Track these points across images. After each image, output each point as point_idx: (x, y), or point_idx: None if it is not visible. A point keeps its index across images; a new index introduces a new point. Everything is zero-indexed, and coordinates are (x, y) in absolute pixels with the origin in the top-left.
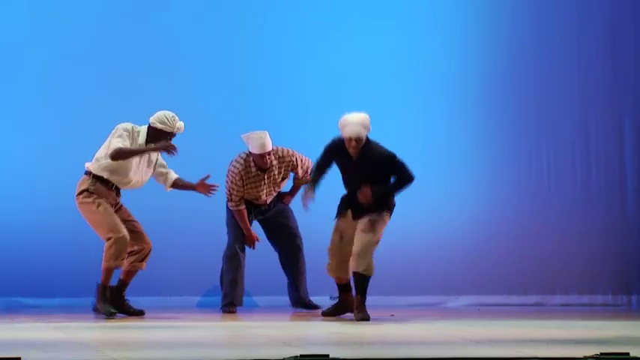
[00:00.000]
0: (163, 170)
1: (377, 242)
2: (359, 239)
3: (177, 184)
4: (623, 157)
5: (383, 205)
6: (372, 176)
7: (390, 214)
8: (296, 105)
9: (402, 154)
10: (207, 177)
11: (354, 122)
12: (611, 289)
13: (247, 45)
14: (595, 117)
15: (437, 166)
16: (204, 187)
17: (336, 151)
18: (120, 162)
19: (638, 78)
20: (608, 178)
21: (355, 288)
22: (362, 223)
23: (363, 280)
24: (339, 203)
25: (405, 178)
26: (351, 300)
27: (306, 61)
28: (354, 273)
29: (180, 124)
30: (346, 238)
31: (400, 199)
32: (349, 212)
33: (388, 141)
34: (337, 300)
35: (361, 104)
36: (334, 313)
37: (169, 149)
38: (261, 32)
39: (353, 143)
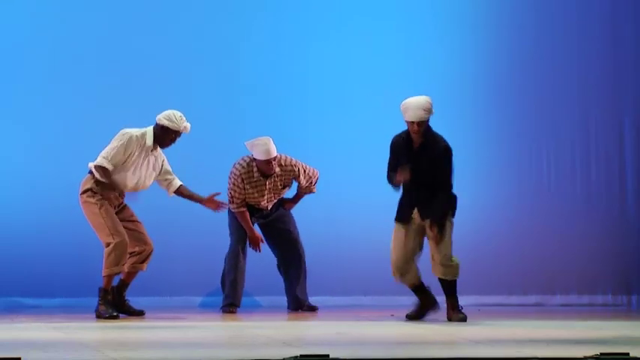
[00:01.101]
0: (169, 177)
1: (451, 243)
2: (438, 248)
3: (182, 193)
4: (623, 157)
5: (446, 207)
6: (429, 167)
7: (454, 213)
8: (296, 105)
9: None
10: (218, 194)
11: (414, 106)
12: (611, 289)
13: (246, 46)
14: (595, 117)
15: None
16: (213, 203)
17: (398, 146)
18: (117, 169)
19: (638, 78)
20: (608, 178)
21: (446, 292)
22: (433, 230)
23: (452, 284)
24: (398, 207)
25: (444, 191)
26: (429, 299)
27: (306, 62)
28: (443, 280)
29: (187, 124)
30: (409, 245)
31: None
32: (415, 214)
33: (388, 141)
34: (418, 303)
35: (361, 105)
36: (418, 315)
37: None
38: (260, 33)
39: (415, 127)
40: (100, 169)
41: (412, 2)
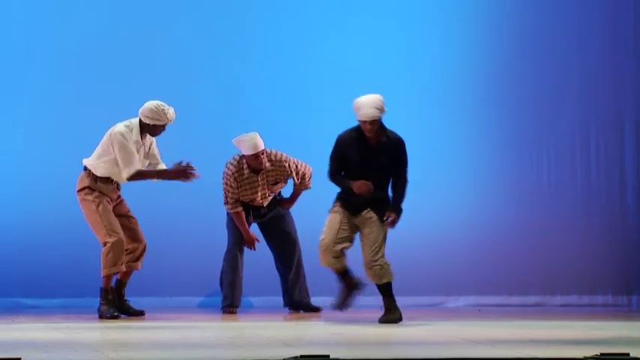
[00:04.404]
0: (154, 161)
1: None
2: (371, 250)
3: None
4: (623, 158)
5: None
6: (386, 163)
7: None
8: (296, 105)
9: None
10: (181, 162)
11: (367, 104)
12: (611, 289)
13: (247, 45)
14: (595, 117)
15: (437, 167)
16: (179, 174)
17: (347, 144)
18: (113, 165)
19: (639, 78)
20: (608, 178)
21: (382, 294)
22: (370, 231)
23: (387, 287)
24: (338, 198)
25: (403, 179)
26: (354, 281)
27: (306, 61)
28: (378, 285)
29: (171, 113)
30: (345, 232)
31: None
32: (366, 212)
33: None
34: (343, 288)
35: None
36: (344, 301)
37: (187, 176)
38: (260, 32)
39: (368, 126)
40: (136, 175)
41: (412, 2)
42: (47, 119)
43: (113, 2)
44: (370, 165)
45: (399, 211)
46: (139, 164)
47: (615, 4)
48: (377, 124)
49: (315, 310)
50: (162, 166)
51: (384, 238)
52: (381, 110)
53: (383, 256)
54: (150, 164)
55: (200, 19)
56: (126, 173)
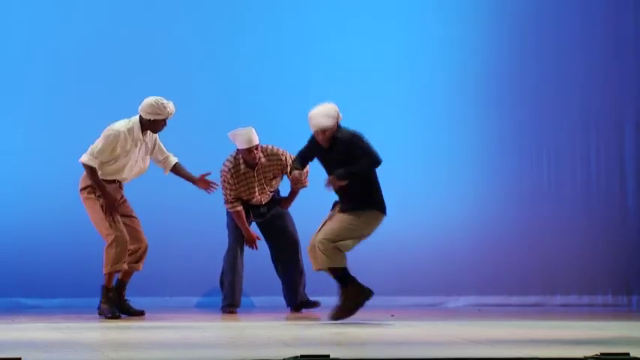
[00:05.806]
0: (163, 155)
1: (340, 237)
2: (320, 232)
3: (177, 171)
4: (623, 158)
5: (364, 202)
6: (342, 161)
7: (383, 212)
8: (296, 105)
9: (402, 154)
10: (209, 173)
11: (316, 115)
12: (611, 289)
13: (246, 45)
14: (596, 117)
15: (437, 167)
16: (204, 183)
17: (315, 145)
18: (115, 166)
19: (639, 78)
20: (609, 178)
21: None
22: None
23: (334, 272)
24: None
25: (365, 157)
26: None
27: (306, 61)
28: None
29: (170, 107)
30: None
31: (401, 199)
32: (336, 209)
33: (388, 141)
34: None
35: (361, 104)
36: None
37: (112, 207)
38: (260, 32)
39: (320, 136)
40: (88, 167)
41: (412, 2)
42: (47, 119)
43: (113, 2)
44: (326, 166)
45: (340, 174)
46: (96, 164)
47: (616, 4)
48: (328, 132)
49: (315, 304)
50: (173, 159)
51: (345, 228)
52: (331, 117)
53: (332, 242)
54: (159, 161)
55: (200, 19)
56: (85, 157)
